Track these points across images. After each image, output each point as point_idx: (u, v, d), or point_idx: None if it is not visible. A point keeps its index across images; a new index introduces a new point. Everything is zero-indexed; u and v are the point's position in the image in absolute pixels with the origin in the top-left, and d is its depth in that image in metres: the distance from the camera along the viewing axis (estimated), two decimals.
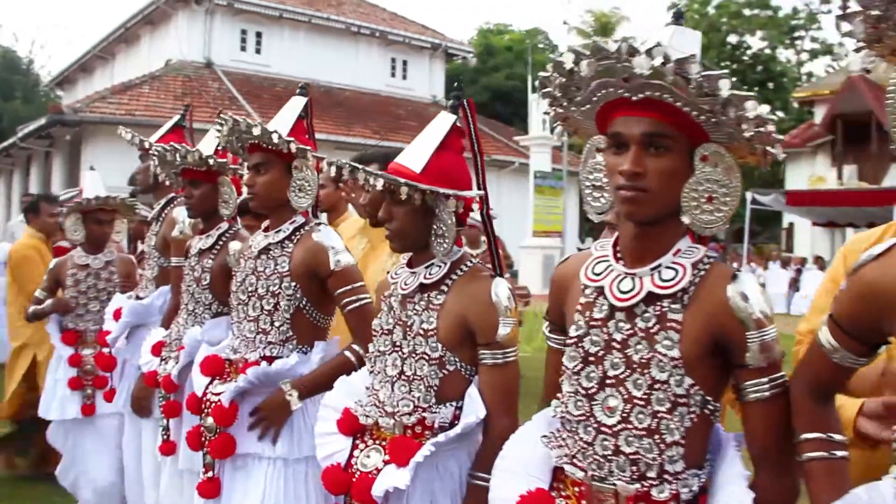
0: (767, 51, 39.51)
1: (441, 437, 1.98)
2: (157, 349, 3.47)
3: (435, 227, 2.10)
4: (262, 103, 19.59)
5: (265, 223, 2.73)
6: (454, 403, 2.08)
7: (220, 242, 3.30)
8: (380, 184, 2.03)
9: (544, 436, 1.78)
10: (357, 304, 2.55)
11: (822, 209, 20.76)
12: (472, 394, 2.05)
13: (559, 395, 1.75)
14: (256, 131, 2.55)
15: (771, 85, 38.15)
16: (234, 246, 3.18)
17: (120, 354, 4.06)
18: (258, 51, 22.69)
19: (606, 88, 1.62)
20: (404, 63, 25.99)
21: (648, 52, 1.49)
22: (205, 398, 2.62)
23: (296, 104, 2.77)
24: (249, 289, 2.61)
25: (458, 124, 2.17)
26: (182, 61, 20.80)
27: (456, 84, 2.26)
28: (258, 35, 22.70)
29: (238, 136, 2.68)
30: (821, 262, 20.11)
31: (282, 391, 2.49)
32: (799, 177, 25.28)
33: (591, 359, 1.68)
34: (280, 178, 2.62)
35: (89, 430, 4.26)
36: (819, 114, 26.48)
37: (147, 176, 4.08)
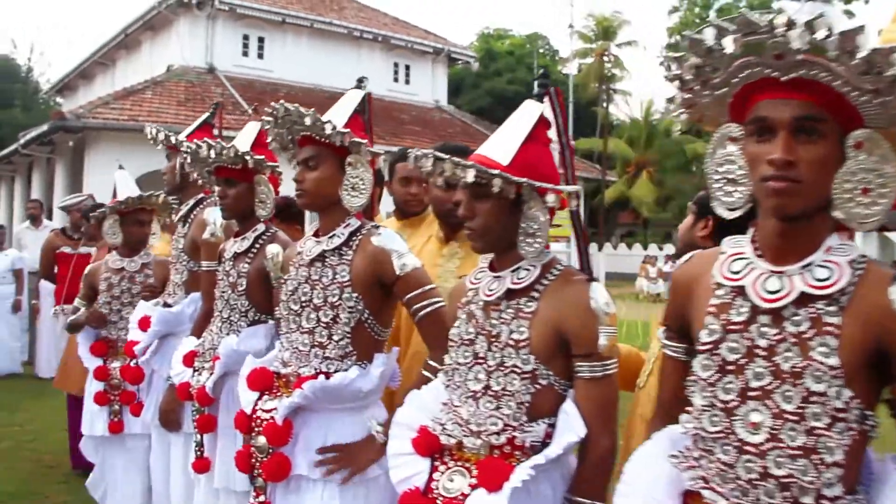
0: None
1: (540, 459, 1.78)
2: (189, 359, 3.26)
3: (524, 225, 1.90)
4: None
5: (313, 227, 2.52)
6: (546, 420, 1.87)
7: (257, 245, 3.09)
8: (470, 175, 1.82)
9: (673, 455, 1.58)
10: (430, 309, 2.31)
11: None
12: (569, 410, 1.84)
13: (689, 408, 1.55)
14: (308, 121, 2.34)
15: None
16: (273, 249, 2.97)
17: (147, 366, 3.83)
18: (260, 56, 22.46)
19: (751, 68, 1.43)
20: (407, 68, 25.79)
21: (808, 25, 1.29)
22: (254, 415, 2.39)
23: (352, 97, 2.54)
24: (303, 298, 2.39)
25: (545, 114, 1.98)
26: (184, 67, 20.56)
27: (542, 71, 2.05)
28: (260, 40, 22.47)
29: (289, 128, 2.47)
30: None
31: (371, 435, 2.30)
32: None
33: (730, 367, 1.49)
34: (332, 174, 2.40)
35: (118, 448, 4.01)
36: None
37: (174, 175, 3.87)
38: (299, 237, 4.38)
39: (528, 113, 1.97)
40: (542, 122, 1.96)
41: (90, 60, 26.01)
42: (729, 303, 1.52)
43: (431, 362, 2.27)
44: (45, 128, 16.33)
